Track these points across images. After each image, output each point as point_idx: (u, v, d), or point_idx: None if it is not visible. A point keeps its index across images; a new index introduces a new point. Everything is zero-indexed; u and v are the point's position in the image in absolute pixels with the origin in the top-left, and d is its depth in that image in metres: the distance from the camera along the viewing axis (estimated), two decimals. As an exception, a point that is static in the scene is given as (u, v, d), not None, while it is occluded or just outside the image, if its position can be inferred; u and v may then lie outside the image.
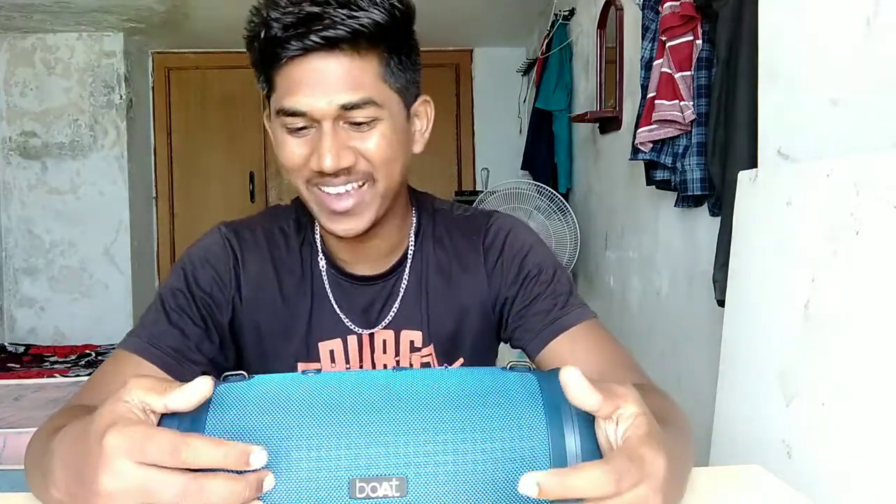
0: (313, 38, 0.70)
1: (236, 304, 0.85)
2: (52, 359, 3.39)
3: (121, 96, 4.04)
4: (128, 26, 3.92)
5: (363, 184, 0.77)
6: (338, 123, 0.74)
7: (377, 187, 0.78)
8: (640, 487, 0.43)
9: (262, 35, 0.72)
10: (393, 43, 0.75)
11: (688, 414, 0.69)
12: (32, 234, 4.04)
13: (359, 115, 0.73)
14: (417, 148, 0.85)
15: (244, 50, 0.76)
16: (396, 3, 0.73)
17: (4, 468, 1.66)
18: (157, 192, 4.49)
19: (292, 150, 0.76)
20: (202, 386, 0.46)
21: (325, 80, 0.72)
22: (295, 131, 0.75)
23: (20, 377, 2.71)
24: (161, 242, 4.50)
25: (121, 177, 4.05)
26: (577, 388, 0.46)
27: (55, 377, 2.65)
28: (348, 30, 0.70)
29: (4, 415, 1.89)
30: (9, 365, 3.21)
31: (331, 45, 0.71)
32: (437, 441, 0.46)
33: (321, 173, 0.75)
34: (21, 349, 3.61)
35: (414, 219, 0.91)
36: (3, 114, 3.99)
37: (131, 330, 0.82)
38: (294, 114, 0.73)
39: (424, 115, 0.85)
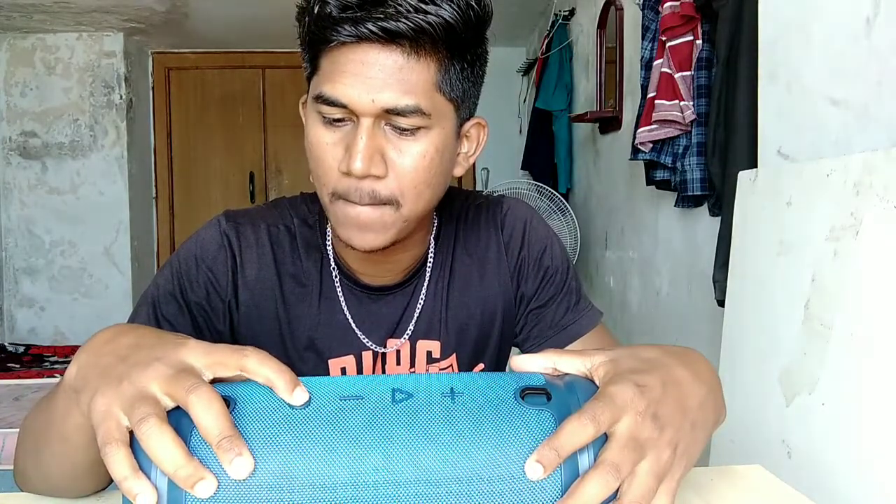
0: (370, 26, 0.62)
1: (233, 311, 0.77)
2: (52, 359, 3.39)
3: (121, 96, 4.04)
4: (128, 26, 3.92)
5: (385, 205, 0.69)
6: (379, 124, 0.66)
7: (401, 212, 0.69)
8: (622, 420, 0.44)
9: (316, 11, 0.64)
10: (459, 48, 0.66)
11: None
12: (32, 234, 4.04)
13: (403, 123, 0.65)
14: (458, 171, 0.75)
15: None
16: (473, 4, 0.65)
17: (4, 468, 1.66)
18: (157, 192, 4.49)
19: (324, 149, 0.67)
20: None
21: (375, 76, 0.63)
22: (330, 123, 0.67)
23: (20, 377, 2.71)
24: (161, 242, 4.50)
25: (121, 177, 4.06)
26: (527, 365, 0.51)
27: (55, 377, 2.65)
28: (412, 25, 0.62)
29: (4, 415, 1.89)
30: (9, 365, 3.22)
31: (389, 37, 0.62)
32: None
33: (347, 175, 0.66)
34: (21, 349, 3.61)
35: (435, 220, 0.83)
36: (3, 114, 3.99)
37: None
38: (333, 103, 0.65)
39: (476, 138, 0.76)
